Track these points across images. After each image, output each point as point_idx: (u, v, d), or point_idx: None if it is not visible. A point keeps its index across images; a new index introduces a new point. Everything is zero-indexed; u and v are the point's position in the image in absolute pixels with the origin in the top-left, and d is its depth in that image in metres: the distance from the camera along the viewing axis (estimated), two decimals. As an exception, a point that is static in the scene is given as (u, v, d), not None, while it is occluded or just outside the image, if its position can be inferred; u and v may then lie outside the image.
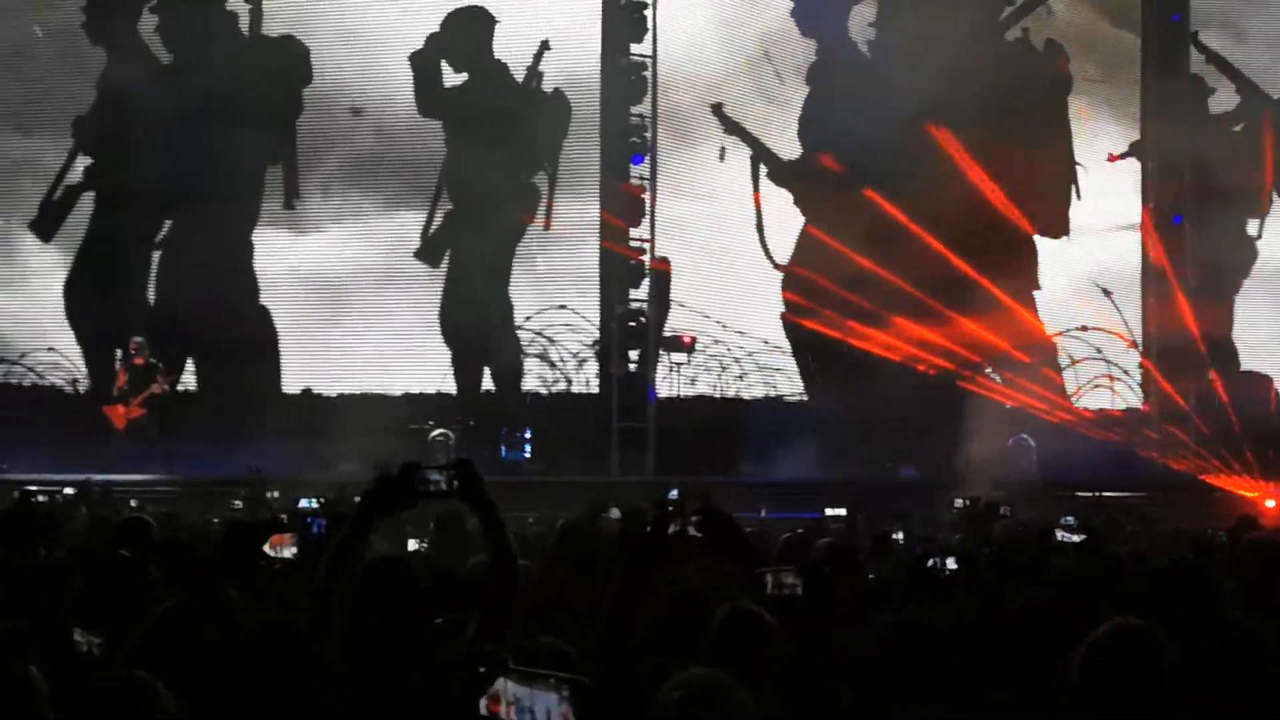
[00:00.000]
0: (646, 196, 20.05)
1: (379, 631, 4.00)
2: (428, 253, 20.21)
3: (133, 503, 12.68)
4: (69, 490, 11.56)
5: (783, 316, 20.99)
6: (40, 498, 10.98)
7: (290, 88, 19.67)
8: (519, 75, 20.38)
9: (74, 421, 18.70)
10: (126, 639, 4.11)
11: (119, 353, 19.15)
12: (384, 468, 8.79)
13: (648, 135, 20.06)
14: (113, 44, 19.44)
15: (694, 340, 20.47)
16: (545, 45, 20.22)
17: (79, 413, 19.07)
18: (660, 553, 4.66)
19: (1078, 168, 21.75)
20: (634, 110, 20.08)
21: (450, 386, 20.34)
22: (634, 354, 20.05)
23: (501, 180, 19.96)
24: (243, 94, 18.59)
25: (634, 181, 20.04)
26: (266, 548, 5.23)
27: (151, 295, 19.86)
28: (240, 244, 19.79)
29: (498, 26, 20.25)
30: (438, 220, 20.27)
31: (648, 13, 20.12)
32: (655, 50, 20.11)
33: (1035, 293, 21.46)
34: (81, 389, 19.73)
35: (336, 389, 20.12)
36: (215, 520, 9.96)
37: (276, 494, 12.49)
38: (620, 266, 19.97)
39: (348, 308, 20.28)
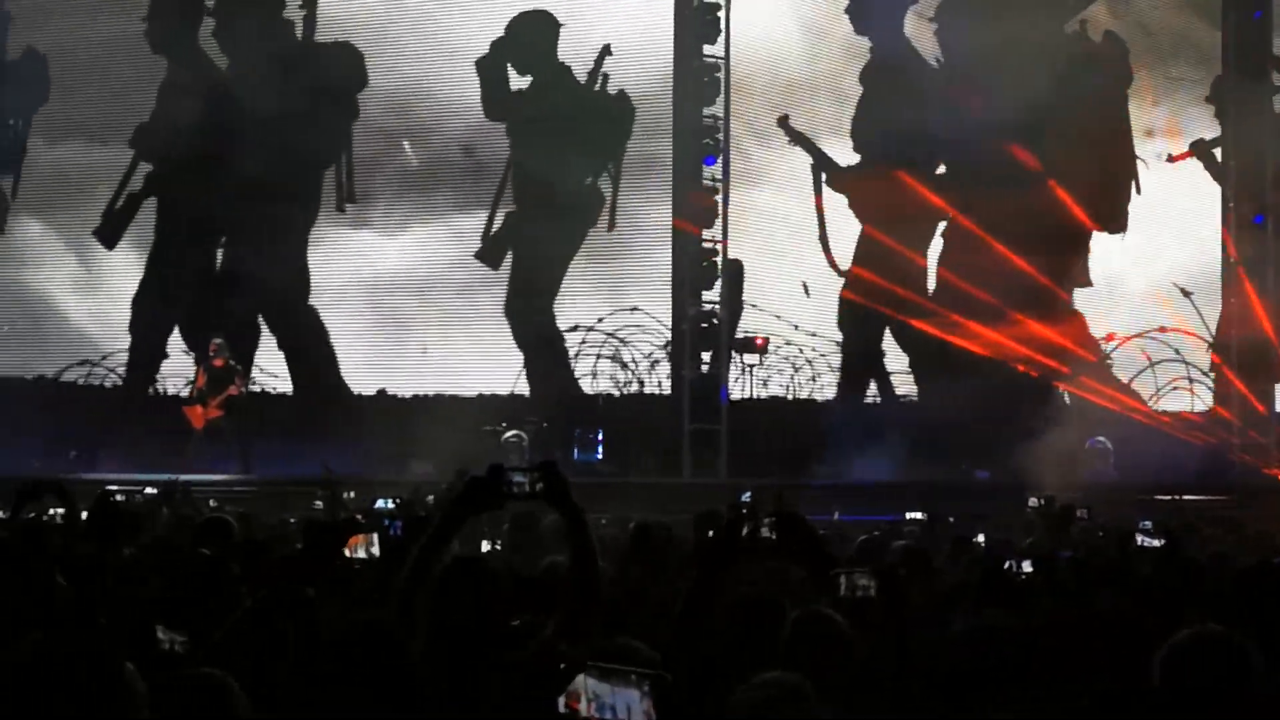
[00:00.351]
0: (719, 198, 20.02)
1: (460, 631, 4.02)
2: (488, 254, 20.31)
3: (212, 502, 12.83)
4: (150, 490, 11.69)
5: (842, 317, 20.85)
6: (119, 497, 11.14)
7: (345, 92, 19.85)
8: (587, 78, 20.42)
9: (154, 422, 18.95)
10: (208, 638, 4.16)
11: (179, 352, 19.48)
12: (466, 471, 8.87)
13: (720, 136, 20.03)
14: (173, 53, 19.73)
15: (767, 342, 20.42)
16: (607, 50, 20.27)
17: (159, 413, 19.34)
18: (734, 555, 4.65)
19: (1138, 162, 21.40)
20: (707, 112, 20.06)
21: (524, 388, 20.42)
22: (706, 355, 20.01)
23: (565, 182, 20.03)
24: (298, 99, 18.75)
25: (707, 183, 20.02)
26: (346, 548, 5.27)
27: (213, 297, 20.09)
28: (297, 246, 19.97)
29: (571, 29, 20.31)
30: (498, 221, 20.37)
31: (721, 14, 20.09)
32: (728, 51, 20.09)
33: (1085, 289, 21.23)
34: (162, 390, 20.01)
35: (411, 390, 20.27)
36: (292, 520, 10.05)
37: (352, 494, 12.59)
38: (693, 268, 19.94)
39: (424, 309, 20.43)
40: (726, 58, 20.07)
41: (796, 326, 20.69)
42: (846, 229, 21.05)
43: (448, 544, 4.36)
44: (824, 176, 20.95)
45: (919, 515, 11.38)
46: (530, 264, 20.31)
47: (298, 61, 19.50)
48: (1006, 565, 5.74)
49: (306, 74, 19.25)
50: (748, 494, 11.91)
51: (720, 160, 20.01)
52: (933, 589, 6.05)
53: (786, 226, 20.93)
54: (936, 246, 21.05)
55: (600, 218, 20.42)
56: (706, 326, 19.92)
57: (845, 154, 21.03)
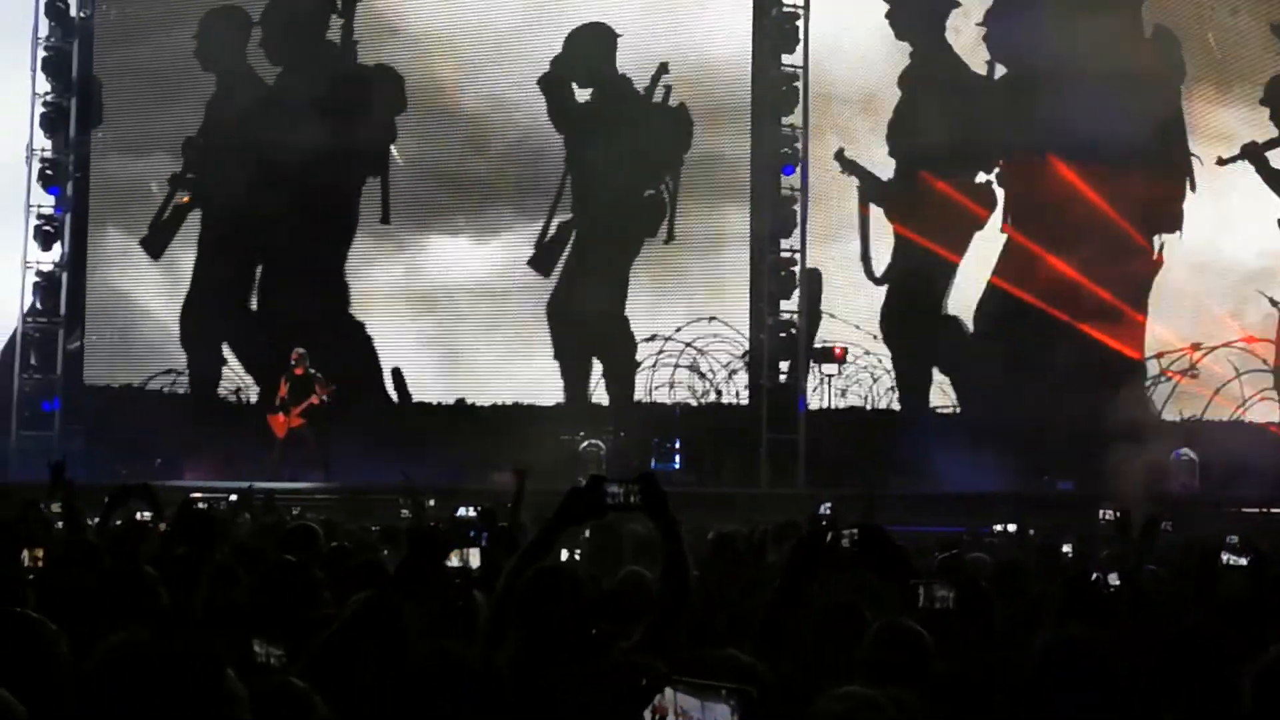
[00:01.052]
0: (798, 207, 19.96)
1: (546, 640, 4.03)
2: (540, 261, 20.39)
3: (295, 510, 12.96)
4: (233, 497, 11.84)
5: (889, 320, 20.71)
6: (202, 504, 11.29)
7: (385, 114, 20.10)
8: (654, 91, 20.44)
9: (237, 430, 19.20)
10: (298, 648, 4.19)
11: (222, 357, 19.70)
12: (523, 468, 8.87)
13: (799, 145, 19.98)
14: (222, 69, 20.08)
15: (845, 351, 20.33)
16: (664, 67, 20.32)
17: (242, 422, 19.59)
18: (818, 566, 4.63)
19: (1193, 159, 21.00)
20: (785, 121, 20.02)
21: (602, 397, 20.47)
22: (784, 365, 19.96)
23: (623, 193, 20.17)
24: (339, 117, 18.98)
25: (785, 192, 19.97)
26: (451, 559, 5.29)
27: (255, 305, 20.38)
28: (336, 261, 20.18)
29: (649, 40, 20.36)
30: (553, 229, 20.46)
31: (799, 23, 20.06)
32: (807, 61, 20.03)
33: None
34: (245, 398, 20.27)
35: (490, 399, 20.40)
36: (375, 528, 10.14)
37: (432, 503, 12.67)
38: (771, 277, 19.90)
39: (503, 318, 20.55)
40: (805, 67, 20.02)
41: (876, 336, 20.59)
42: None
43: (546, 554, 4.40)
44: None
45: (1011, 527, 11.21)
46: (581, 273, 20.40)
47: (339, 82, 19.78)
48: (1094, 577, 5.66)
49: (349, 95, 19.54)
50: (827, 504, 11.85)
51: (798, 169, 19.96)
52: (1016, 601, 5.98)
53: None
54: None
55: (659, 228, 20.45)
56: (785, 336, 19.87)
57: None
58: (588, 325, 20.31)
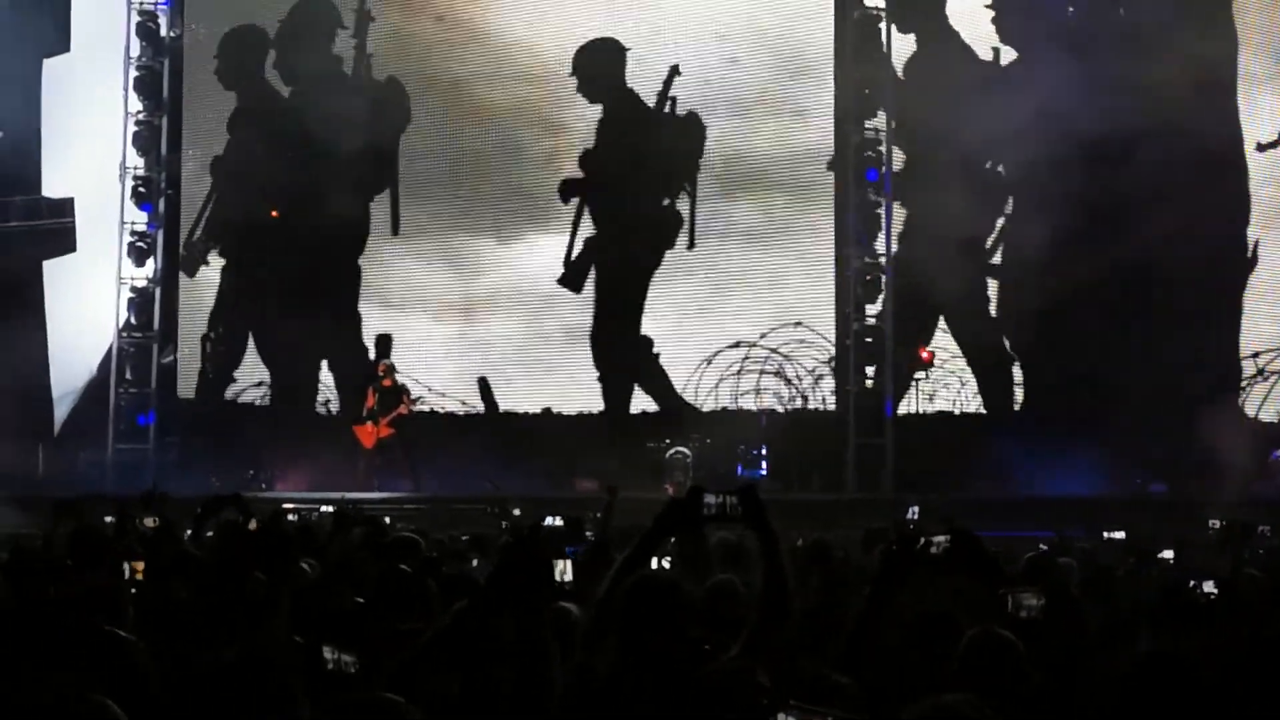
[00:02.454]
0: (882, 210, 19.84)
1: (646, 649, 4.03)
2: (570, 279, 20.47)
3: (386, 519, 13.07)
4: (327, 508, 11.96)
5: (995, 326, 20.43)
6: (291, 516, 11.43)
7: (391, 127, 20.38)
8: (655, 100, 20.47)
9: (327, 441, 19.42)
10: (389, 657, 4.22)
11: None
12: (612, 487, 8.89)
13: (882, 149, 19.85)
14: (240, 87, 20.43)
15: (933, 356, 20.16)
16: (675, 70, 20.36)
17: (330, 432, 19.81)
18: (908, 572, 4.60)
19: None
20: (868, 125, 19.91)
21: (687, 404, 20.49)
22: (871, 370, 19.82)
23: (641, 205, 20.38)
24: (348, 132, 19.21)
25: (870, 197, 19.84)
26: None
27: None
28: (350, 269, 20.52)
29: (728, 45, 20.35)
30: (578, 247, 20.52)
31: (881, 25, 19.95)
32: (889, 63, 19.89)
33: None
34: (333, 410, 20.50)
35: (575, 408, 20.48)
36: (464, 537, 10.21)
37: (518, 512, 12.73)
38: (857, 282, 19.78)
39: (586, 327, 20.65)
40: (888, 70, 19.87)
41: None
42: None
43: (646, 565, 4.41)
44: None
45: (1119, 534, 11.01)
46: (612, 286, 20.51)
47: (351, 95, 20.03)
48: (1190, 585, 5.55)
49: (360, 106, 19.79)
50: (914, 509, 11.75)
51: (881, 173, 19.82)
52: (1112, 609, 5.90)
53: (949, 239, 20.59)
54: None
55: (679, 237, 20.48)
56: (871, 341, 19.73)
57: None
58: (612, 341, 20.46)
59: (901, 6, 20.22)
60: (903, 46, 20.17)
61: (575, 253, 20.61)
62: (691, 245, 20.56)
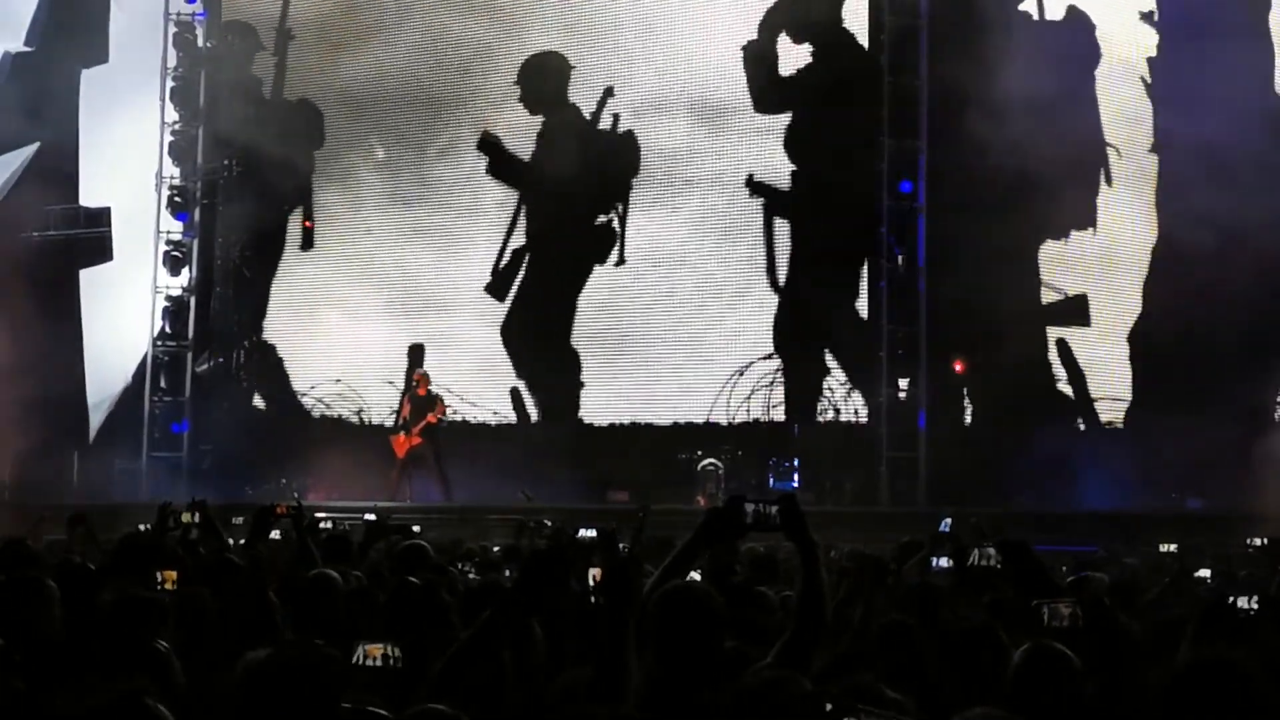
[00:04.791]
0: (917, 221, 19.73)
1: (680, 659, 4.02)
2: (495, 288, 20.59)
3: (415, 528, 13.08)
4: (370, 516, 11.97)
5: (1059, 344, 20.30)
6: (326, 524, 11.45)
7: (305, 148, 20.59)
8: (600, 116, 20.55)
9: (359, 450, 19.46)
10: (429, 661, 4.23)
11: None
12: (646, 509, 8.89)
13: (919, 160, 19.74)
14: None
15: (966, 366, 20.05)
16: (610, 91, 20.48)
17: (364, 441, 19.86)
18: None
19: (1109, 149, 20.31)
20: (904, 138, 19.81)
21: (719, 416, 20.42)
22: (904, 382, 19.72)
23: (572, 219, 20.51)
24: (266, 150, 19.54)
25: (904, 206, 19.74)
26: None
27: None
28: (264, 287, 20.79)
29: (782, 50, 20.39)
30: (507, 256, 20.66)
31: (919, 37, 19.87)
32: (926, 75, 19.77)
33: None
34: (367, 419, 20.55)
35: (607, 419, 20.47)
36: (495, 549, 10.20)
37: (550, 522, 12.72)
38: (889, 292, 19.69)
39: (618, 337, 20.64)
40: (924, 81, 19.76)
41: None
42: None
43: (684, 576, 4.42)
44: None
45: (1171, 547, 10.86)
46: (535, 297, 20.62)
47: (268, 116, 20.29)
48: (1230, 600, 5.49)
49: (275, 126, 20.06)
50: (948, 520, 11.67)
51: (915, 185, 19.73)
52: (1151, 622, 5.84)
53: (984, 250, 20.48)
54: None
55: (610, 254, 20.53)
56: (903, 352, 19.63)
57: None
58: (536, 348, 20.56)
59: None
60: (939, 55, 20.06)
61: (504, 262, 20.70)
62: (621, 262, 20.55)
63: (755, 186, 20.51)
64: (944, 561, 6.74)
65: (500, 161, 20.63)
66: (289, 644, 4.39)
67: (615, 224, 20.66)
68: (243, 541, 7.91)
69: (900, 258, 19.67)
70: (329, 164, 20.92)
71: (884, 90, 19.82)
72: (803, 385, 20.47)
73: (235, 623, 5.15)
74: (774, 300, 20.53)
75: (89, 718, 3.13)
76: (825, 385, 20.43)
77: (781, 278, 20.56)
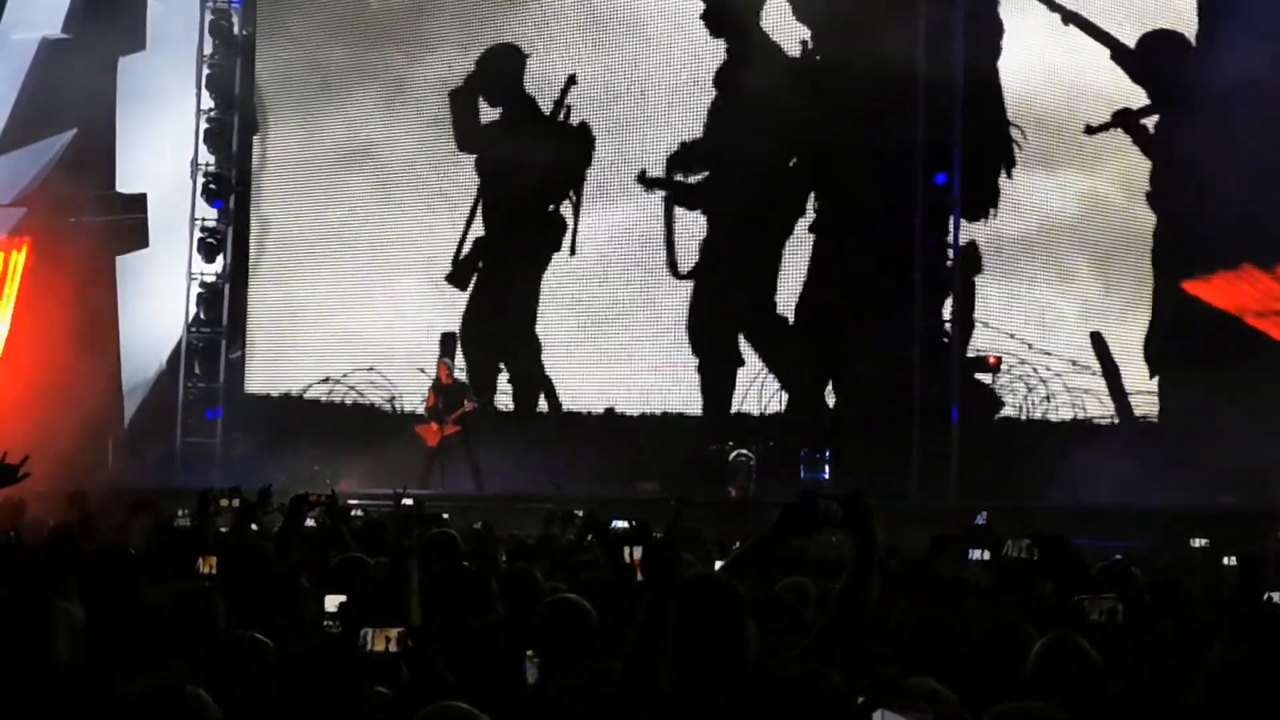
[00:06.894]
0: (950, 215, 19.65)
1: (700, 651, 4.02)
2: (456, 277, 20.68)
3: (444, 515, 13.12)
4: (408, 501, 12.03)
5: (1094, 336, 20.17)
6: (357, 513, 11.49)
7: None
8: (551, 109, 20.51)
9: (391, 438, 19.53)
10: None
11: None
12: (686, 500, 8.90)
13: (954, 153, 19.63)
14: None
15: (999, 361, 19.97)
16: (572, 80, 20.50)
17: (393, 430, 19.93)
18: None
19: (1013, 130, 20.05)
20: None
21: (750, 407, 20.40)
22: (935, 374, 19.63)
23: (529, 209, 20.59)
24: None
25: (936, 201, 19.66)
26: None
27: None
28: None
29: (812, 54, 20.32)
30: (467, 247, 20.74)
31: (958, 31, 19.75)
32: (964, 69, 19.65)
33: None
34: (399, 408, 20.62)
35: (638, 409, 20.47)
36: (530, 541, 10.22)
37: (580, 513, 12.74)
38: (922, 285, 19.62)
39: (649, 328, 20.65)
40: (962, 75, 19.64)
41: (1030, 346, 20.16)
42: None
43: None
44: None
45: (1202, 542, 10.83)
46: (495, 288, 20.72)
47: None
48: (1266, 597, 5.46)
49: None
50: (983, 514, 11.65)
51: (949, 179, 19.63)
52: (1187, 619, 5.81)
53: (1018, 244, 20.41)
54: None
55: (564, 242, 20.63)
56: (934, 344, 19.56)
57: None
58: (499, 337, 20.69)
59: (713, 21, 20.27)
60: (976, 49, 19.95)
61: (464, 252, 20.79)
62: (573, 252, 20.56)
63: (650, 181, 20.53)
64: (980, 554, 6.72)
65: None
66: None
67: (566, 213, 20.71)
68: (277, 529, 7.96)
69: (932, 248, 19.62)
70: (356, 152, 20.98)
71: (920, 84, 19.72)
72: (834, 376, 20.43)
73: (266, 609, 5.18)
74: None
75: (133, 707, 3.17)
76: (855, 377, 20.34)
77: (781, 278, 20.54)
